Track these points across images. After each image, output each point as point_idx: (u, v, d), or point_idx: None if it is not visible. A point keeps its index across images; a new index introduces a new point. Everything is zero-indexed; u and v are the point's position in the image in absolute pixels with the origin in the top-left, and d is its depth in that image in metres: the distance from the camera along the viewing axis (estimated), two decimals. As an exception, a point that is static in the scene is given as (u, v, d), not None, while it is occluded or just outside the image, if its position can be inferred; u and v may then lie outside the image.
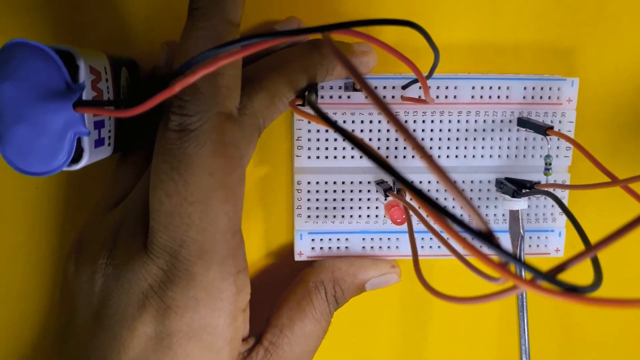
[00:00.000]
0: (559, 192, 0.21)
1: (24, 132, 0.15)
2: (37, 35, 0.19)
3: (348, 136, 0.12)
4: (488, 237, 0.10)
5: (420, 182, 0.20)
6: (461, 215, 0.21)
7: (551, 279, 0.10)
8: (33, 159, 0.15)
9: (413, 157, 0.20)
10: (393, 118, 0.11)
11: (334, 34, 0.13)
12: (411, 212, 0.19)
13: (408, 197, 0.20)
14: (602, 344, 0.23)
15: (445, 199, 0.20)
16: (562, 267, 0.10)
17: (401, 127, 0.11)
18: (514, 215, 0.19)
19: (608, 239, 0.10)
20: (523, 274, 0.18)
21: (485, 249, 0.10)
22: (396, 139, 0.20)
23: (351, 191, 0.20)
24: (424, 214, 0.20)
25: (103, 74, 0.17)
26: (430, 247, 0.21)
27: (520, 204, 0.19)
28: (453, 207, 0.21)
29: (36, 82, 0.14)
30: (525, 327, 0.19)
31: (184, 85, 0.13)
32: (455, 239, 0.11)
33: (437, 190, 0.20)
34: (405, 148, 0.20)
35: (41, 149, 0.15)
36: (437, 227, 0.20)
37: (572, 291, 0.10)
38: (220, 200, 0.16)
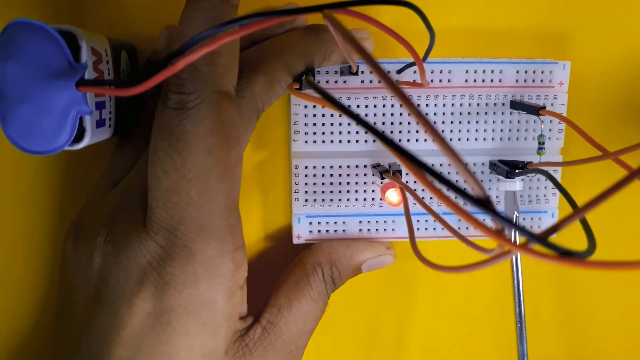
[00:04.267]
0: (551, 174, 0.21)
1: (26, 112, 0.15)
2: (38, 18, 0.20)
3: (347, 112, 0.12)
4: (485, 202, 0.11)
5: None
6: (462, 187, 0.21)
7: (544, 241, 0.10)
8: (36, 138, 0.15)
9: (408, 140, 0.21)
10: (397, 90, 0.11)
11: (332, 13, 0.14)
12: (407, 194, 0.19)
13: (404, 179, 0.20)
14: (598, 307, 0.24)
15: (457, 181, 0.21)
16: (554, 228, 0.10)
17: (406, 101, 0.11)
18: (509, 196, 0.20)
19: (596, 200, 0.10)
20: (517, 240, 0.19)
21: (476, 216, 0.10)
22: (392, 123, 0.20)
23: (348, 175, 0.21)
24: (420, 194, 0.21)
25: (104, 56, 0.17)
26: (426, 228, 0.21)
27: (515, 185, 0.19)
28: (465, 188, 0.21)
29: (39, 62, 0.15)
30: (521, 300, 0.19)
31: (185, 63, 0.13)
32: (450, 206, 0.11)
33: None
34: (400, 132, 0.20)
35: (44, 128, 0.15)
36: (433, 206, 0.21)
37: (567, 255, 0.10)
38: (218, 178, 0.16)
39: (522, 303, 0.19)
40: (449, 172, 0.21)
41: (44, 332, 0.22)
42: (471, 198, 0.10)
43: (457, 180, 0.21)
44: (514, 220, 0.20)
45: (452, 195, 0.18)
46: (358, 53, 0.11)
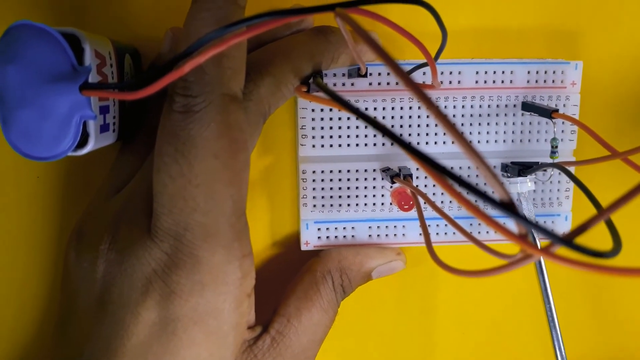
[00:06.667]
0: (564, 176, 0.21)
1: (29, 116, 0.14)
2: (39, 20, 0.19)
3: (359, 113, 0.12)
4: (509, 206, 0.10)
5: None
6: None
7: (571, 244, 0.10)
8: (38, 144, 0.15)
9: (418, 143, 0.20)
10: (414, 87, 0.11)
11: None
12: (419, 197, 0.18)
13: (415, 183, 0.20)
14: (629, 304, 0.23)
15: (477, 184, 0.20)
16: (582, 228, 0.10)
17: (424, 97, 0.10)
18: (521, 198, 0.19)
19: (622, 200, 0.10)
20: (538, 244, 0.18)
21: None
22: (401, 126, 0.20)
23: (356, 179, 0.20)
24: (432, 198, 0.20)
25: (107, 59, 0.16)
26: (437, 233, 0.21)
27: (526, 185, 0.19)
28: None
29: (41, 65, 0.14)
30: (551, 303, 0.19)
31: (193, 65, 0.13)
32: (471, 209, 0.11)
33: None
34: (410, 135, 0.20)
35: (47, 133, 0.15)
36: (445, 211, 0.20)
37: (599, 256, 0.10)
38: (224, 183, 0.16)
39: (552, 306, 0.19)
40: (468, 175, 0.20)
41: (45, 341, 0.21)
42: (495, 202, 0.10)
43: (477, 184, 0.20)
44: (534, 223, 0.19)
45: (471, 199, 0.18)
46: (374, 50, 0.11)
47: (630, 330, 0.23)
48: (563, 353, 0.19)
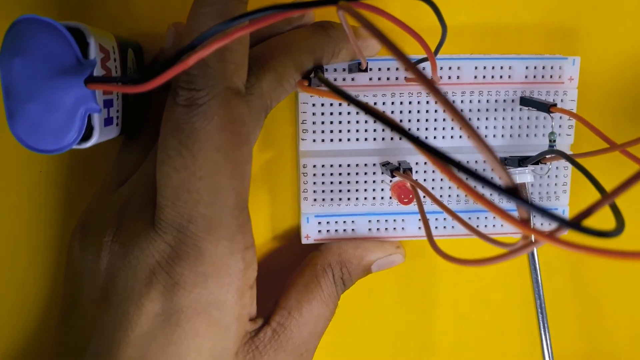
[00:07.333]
0: (562, 170, 0.21)
1: (34, 109, 0.15)
2: (43, 15, 0.20)
3: (362, 106, 0.12)
4: (514, 191, 0.10)
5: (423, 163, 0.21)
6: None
7: (578, 226, 0.10)
8: (44, 136, 0.15)
9: (418, 137, 0.20)
10: (421, 76, 0.11)
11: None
12: (419, 191, 0.19)
13: (414, 177, 0.20)
14: (614, 295, 0.23)
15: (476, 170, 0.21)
16: (586, 212, 0.10)
17: (432, 88, 0.11)
18: (521, 188, 0.20)
19: (626, 184, 0.10)
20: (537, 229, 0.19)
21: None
22: (401, 120, 0.20)
23: (357, 173, 0.20)
24: (431, 191, 0.20)
25: (111, 54, 0.17)
26: (436, 227, 0.21)
27: (525, 176, 0.19)
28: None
29: (47, 59, 0.14)
30: (541, 293, 0.19)
31: (197, 59, 0.13)
32: (475, 197, 0.11)
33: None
34: (409, 129, 0.20)
35: (52, 126, 0.15)
36: (445, 201, 0.20)
37: (602, 236, 0.10)
38: (227, 175, 0.16)
39: (541, 295, 0.19)
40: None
41: (49, 334, 0.21)
42: (499, 188, 0.10)
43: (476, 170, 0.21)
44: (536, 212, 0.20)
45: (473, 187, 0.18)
46: (382, 42, 0.11)
47: (614, 321, 0.24)
48: (549, 345, 0.19)
